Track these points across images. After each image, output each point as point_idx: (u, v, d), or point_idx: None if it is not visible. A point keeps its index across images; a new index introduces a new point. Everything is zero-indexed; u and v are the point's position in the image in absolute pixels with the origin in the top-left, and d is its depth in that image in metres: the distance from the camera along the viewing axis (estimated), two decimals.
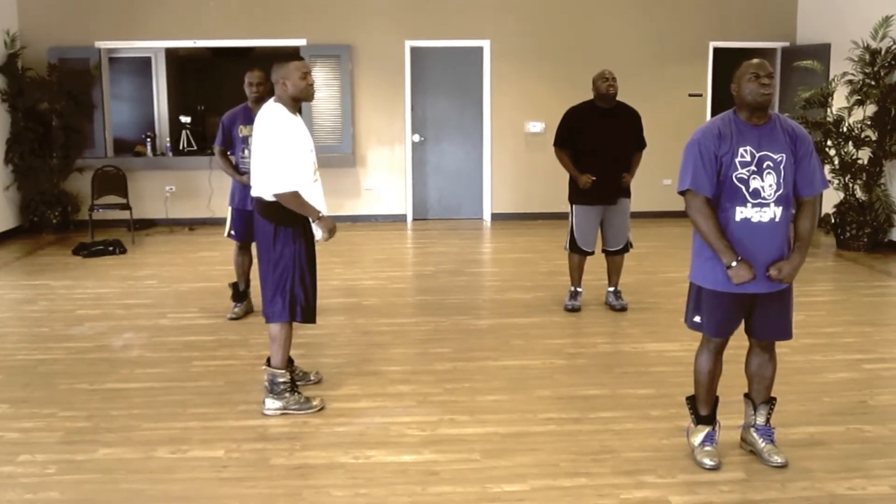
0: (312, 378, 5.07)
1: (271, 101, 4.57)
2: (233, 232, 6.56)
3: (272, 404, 4.58)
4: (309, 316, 4.65)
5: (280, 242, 4.50)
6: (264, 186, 4.46)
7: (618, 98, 6.52)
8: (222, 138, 6.50)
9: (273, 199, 4.43)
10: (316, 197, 4.55)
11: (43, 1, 10.77)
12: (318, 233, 4.56)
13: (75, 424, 4.51)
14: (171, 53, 12.51)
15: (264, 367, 4.67)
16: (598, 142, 6.44)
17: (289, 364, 4.75)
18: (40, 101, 10.39)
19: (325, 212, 4.58)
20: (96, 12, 10.83)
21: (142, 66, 12.47)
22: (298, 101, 4.58)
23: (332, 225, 4.56)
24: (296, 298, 4.56)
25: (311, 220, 4.52)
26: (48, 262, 8.93)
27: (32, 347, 5.97)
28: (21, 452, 4.15)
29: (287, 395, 4.59)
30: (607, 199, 6.54)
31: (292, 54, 4.52)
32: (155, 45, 11.60)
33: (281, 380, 4.59)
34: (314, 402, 4.65)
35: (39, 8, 10.76)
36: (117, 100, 12.07)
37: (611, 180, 6.49)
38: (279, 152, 4.38)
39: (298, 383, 4.83)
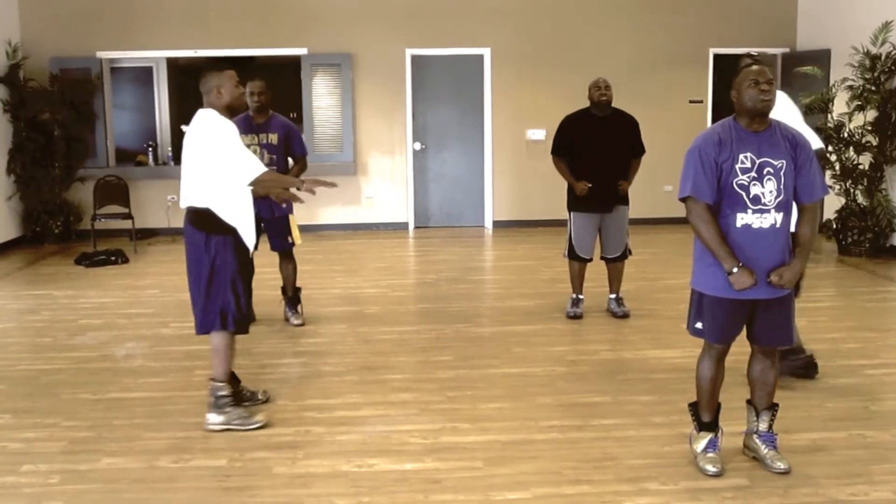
0: (260, 397, 4.88)
1: (202, 110, 4.46)
2: None
3: (215, 419, 4.48)
4: (241, 326, 4.55)
5: (211, 251, 4.41)
6: (200, 193, 4.37)
7: (619, 105, 6.55)
8: None
9: (205, 207, 4.36)
10: (246, 204, 4.47)
11: (44, 11, 10.80)
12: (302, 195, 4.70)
13: (78, 434, 4.51)
14: (172, 63, 12.54)
15: (209, 380, 4.59)
16: (594, 149, 6.46)
17: (235, 382, 4.69)
18: (42, 111, 10.40)
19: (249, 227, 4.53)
20: (98, 22, 10.87)
21: (143, 75, 12.50)
22: (232, 111, 4.48)
23: (311, 181, 4.58)
24: (227, 307, 4.46)
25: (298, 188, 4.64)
26: (50, 272, 8.94)
27: (35, 357, 5.97)
28: (24, 462, 4.15)
29: (230, 409, 4.49)
30: (604, 206, 6.56)
31: (223, 64, 4.64)
32: (156, 55, 11.64)
33: (221, 393, 4.49)
34: (257, 418, 4.51)
35: (41, 18, 10.80)
36: (119, 109, 12.10)
37: (607, 188, 6.50)
38: (227, 149, 4.30)
39: (245, 404, 4.72)
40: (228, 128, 4.35)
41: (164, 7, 10.90)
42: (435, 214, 11.64)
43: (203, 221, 4.41)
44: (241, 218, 4.44)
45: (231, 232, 4.42)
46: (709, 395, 3.98)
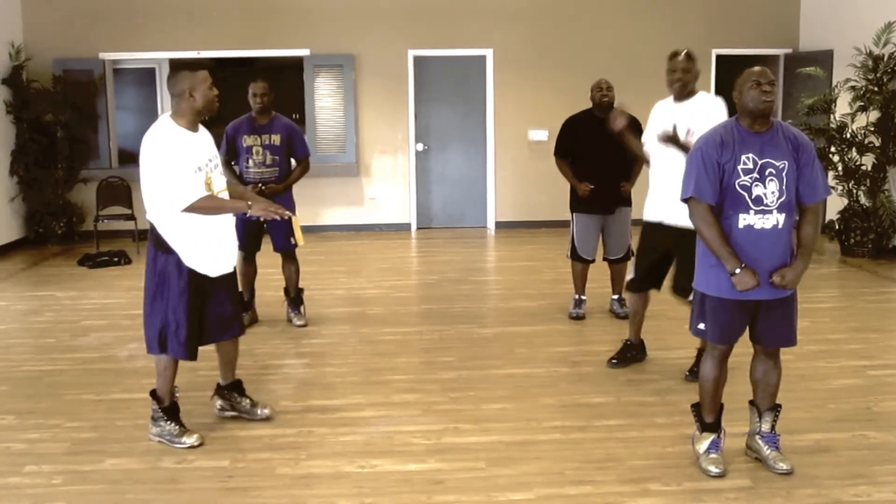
0: (259, 413, 4.66)
1: (164, 116, 4.22)
2: (237, 242, 6.56)
3: (152, 429, 4.43)
4: (180, 352, 4.29)
5: (158, 267, 4.24)
6: (149, 207, 4.21)
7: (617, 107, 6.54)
8: (226, 149, 6.52)
9: (154, 221, 4.23)
10: (195, 228, 4.20)
11: (47, 13, 10.82)
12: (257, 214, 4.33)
13: (81, 435, 4.52)
14: (174, 64, 12.53)
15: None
16: (596, 151, 6.46)
17: (238, 391, 4.68)
18: (45, 112, 10.42)
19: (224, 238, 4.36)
20: (100, 24, 10.88)
21: (146, 76, 12.53)
22: (202, 115, 4.25)
23: (266, 203, 4.34)
24: (166, 329, 4.25)
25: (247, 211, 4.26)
26: (53, 273, 8.96)
27: (38, 358, 5.98)
28: (27, 463, 4.16)
29: (162, 423, 4.37)
30: (606, 208, 6.56)
31: (192, 65, 4.31)
32: (159, 56, 11.64)
33: (153, 407, 4.40)
34: (184, 439, 4.33)
35: (44, 20, 10.81)
36: (122, 110, 12.12)
37: (609, 189, 6.51)
38: (163, 173, 4.06)
39: (243, 415, 4.64)
40: (175, 149, 4.08)
41: (166, 8, 10.91)
42: (437, 215, 11.64)
43: (154, 235, 4.27)
44: (186, 242, 4.19)
45: (175, 252, 4.20)
46: (711, 395, 3.98)
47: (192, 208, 4.09)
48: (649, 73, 11.15)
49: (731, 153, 3.70)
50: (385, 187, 11.44)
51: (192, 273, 4.22)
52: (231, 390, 4.71)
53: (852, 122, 9.12)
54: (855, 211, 9.20)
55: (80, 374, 5.60)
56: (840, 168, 9.24)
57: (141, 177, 4.17)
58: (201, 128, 4.30)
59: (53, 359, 5.93)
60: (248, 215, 4.28)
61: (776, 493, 3.75)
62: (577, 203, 6.62)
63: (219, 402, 4.73)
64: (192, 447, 4.30)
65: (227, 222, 4.38)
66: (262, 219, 6.38)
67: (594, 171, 6.48)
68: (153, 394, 4.43)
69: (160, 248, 4.23)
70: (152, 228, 4.27)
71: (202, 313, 4.33)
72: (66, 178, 10.66)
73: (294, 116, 10.25)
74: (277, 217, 4.29)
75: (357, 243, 10.55)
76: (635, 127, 6.60)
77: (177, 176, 4.06)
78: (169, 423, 4.37)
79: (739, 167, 3.68)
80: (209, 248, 4.26)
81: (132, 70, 12.40)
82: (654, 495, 3.75)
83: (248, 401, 4.70)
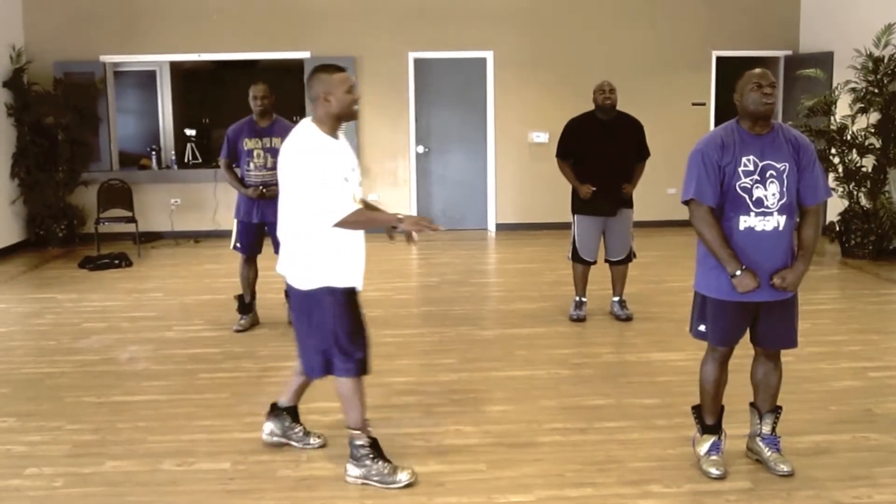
0: (312, 442, 4.37)
1: (307, 122, 3.92)
2: (238, 244, 6.59)
3: (352, 471, 3.98)
4: (351, 369, 3.95)
5: (306, 290, 3.93)
6: (300, 224, 3.87)
7: (621, 108, 6.55)
8: (227, 151, 6.53)
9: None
10: (356, 236, 3.96)
11: (48, 16, 10.83)
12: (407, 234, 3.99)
13: (82, 437, 4.52)
14: (175, 67, 12.56)
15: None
16: (598, 152, 6.47)
17: (294, 417, 4.38)
18: (46, 115, 10.44)
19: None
20: (101, 27, 10.89)
21: (146, 79, 12.53)
22: (342, 121, 3.94)
23: (416, 219, 3.92)
24: (330, 353, 3.94)
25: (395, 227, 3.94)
26: (54, 276, 8.96)
27: (39, 361, 5.98)
28: (28, 466, 4.16)
29: (368, 462, 3.95)
30: (608, 209, 6.56)
31: (332, 65, 3.97)
32: (159, 59, 11.66)
33: (358, 443, 3.97)
34: (400, 477, 3.94)
35: (45, 22, 10.83)
36: (122, 113, 12.13)
37: (611, 191, 6.51)
38: (315, 185, 3.74)
39: (292, 443, 4.35)
40: (325, 158, 3.79)
41: (167, 11, 10.92)
42: (438, 217, 11.62)
43: (293, 255, 3.95)
44: (335, 256, 3.89)
45: (324, 270, 3.88)
46: (712, 397, 3.98)
47: (344, 222, 3.78)
48: (650, 74, 11.21)
49: (732, 155, 3.70)
50: (385, 189, 11.44)
51: (343, 288, 3.90)
52: (289, 414, 4.36)
53: (852, 123, 9.12)
54: (855, 213, 9.20)
55: (81, 376, 5.60)
56: (840, 170, 9.24)
57: (284, 189, 3.87)
58: (341, 135, 3.96)
59: (54, 361, 5.94)
60: (398, 229, 3.94)
61: (777, 494, 3.75)
62: (579, 205, 6.63)
63: (270, 426, 4.34)
64: (408, 485, 3.89)
65: (360, 232, 4.02)
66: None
67: (596, 172, 6.48)
68: (349, 428, 3.98)
69: (303, 269, 3.88)
70: (288, 247, 3.94)
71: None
72: (66, 180, 10.68)
73: (295, 119, 10.24)
74: (431, 231, 3.92)
75: None
76: (639, 130, 6.62)
77: (329, 188, 3.76)
78: (377, 461, 3.93)
79: (740, 169, 3.68)
80: (354, 260, 3.96)
81: (133, 73, 12.39)
82: (654, 497, 3.75)
83: (301, 428, 4.38)
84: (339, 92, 3.83)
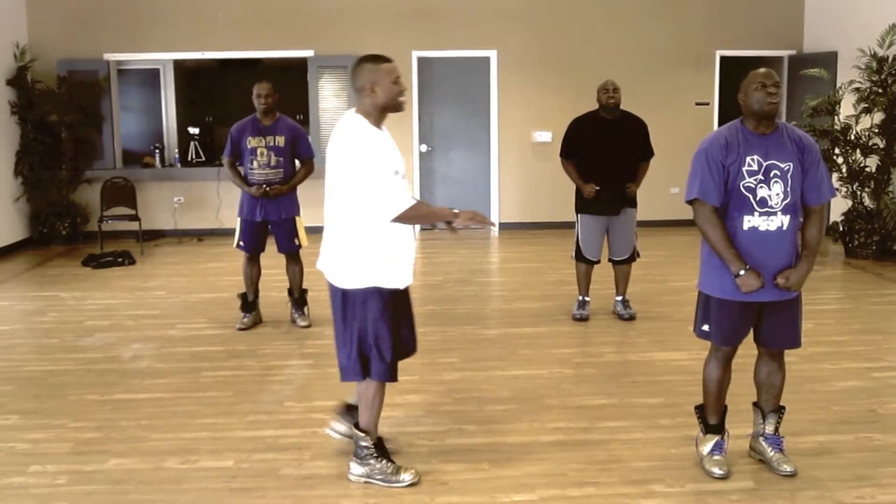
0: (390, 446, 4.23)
1: (350, 113, 3.86)
2: (241, 243, 6.59)
3: (355, 469, 3.97)
4: (382, 373, 3.90)
5: (348, 287, 3.86)
6: (352, 220, 3.79)
7: (625, 107, 6.55)
8: (231, 149, 6.53)
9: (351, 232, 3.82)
10: (405, 233, 3.87)
11: (52, 14, 10.84)
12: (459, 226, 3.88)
13: (85, 435, 4.53)
14: (179, 65, 12.59)
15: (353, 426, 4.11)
16: (602, 152, 6.47)
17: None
18: (49, 113, 10.44)
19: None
20: (105, 25, 10.90)
21: (150, 77, 12.55)
22: (387, 112, 3.84)
23: (472, 214, 3.84)
24: (368, 353, 3.88)
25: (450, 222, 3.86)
26: (58, 274, 8.97)
27: (42, 358, 5.99)
28: (32, 463, 4.17)
29: (371, 461, 3.94)
30: (611, 209, 6.56)
31: (378, 55, 3.82)
32: (163, 57, 11.67)
33: (362, 444, 3.95)
34: (402, 476, 3.93)
35: (48, 21, 10.84)
36: (126, 111, 12.15)
37: (615, 190, 6.51)
38: (370, 179, 3.66)
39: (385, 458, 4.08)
40: (379, 151, 3.72)
41: (171, 9, 10.93)
42: None
43: (335, 251, 3.92)
44: (382, 254, 3.80)
45: (369, 269, 3.79)
46: (715, 397, 3.98)
47: (402, 217, 3.69)
48: (654, 74, 11.20)
49: (736, 155, 3.69)
50: None
51: (390, 289, 3.82)
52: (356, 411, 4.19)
53: (856, 123, 9.10)
54: (859, 213, 9.19)
55: (84, 374, 5.60)
56: (844, 170, 9.23)
57: (332, 184, 3.81)
58: (384, 127, 3.88)
59: (57, 359, 5.94)
60: (453, 224, 3.85)
61: (780, 494, 3.75)
62: (583, 204, 6.62)
63: (339, 425, 4.23)
64: (411, 485, 3.89)
65: (408, 229, 3.92)
66: (281, 216, 6.47)
67: (600, 172, 6.48)
68: (358, 427, 3.96)
69: (346, 266, 3.81)
70: (332, 244, 3.89)
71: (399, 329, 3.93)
72: (70, 178, 10.69)
73: (298, 117, 10.27)
74: (486, 227, 3.88)
75: None
76: (643, 130, 6.62)
77: (386, 181, 3.66)
78: (381, 460, 3.93)
79: (744, 169, 3.68)
80: (402, 258, 3.85)
81: (136, 71, 12.42)
82: (657, 497, 3.75)
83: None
84: (386, 82, 3.75)
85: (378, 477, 3.91)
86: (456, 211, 3.85)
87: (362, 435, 3.93)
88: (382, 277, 3.77)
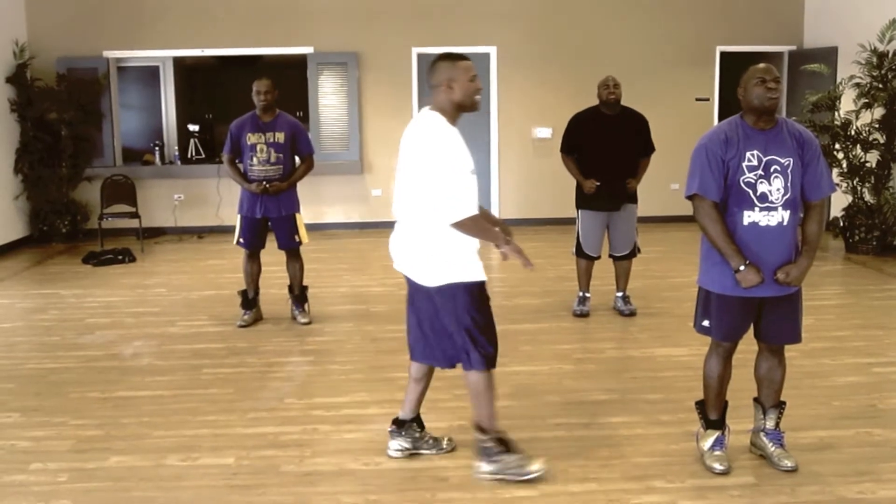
0: (445, 446, 4.21)
1: (425, 110, 3.82)
2: (241, 240, 6.59)
3: (483, 467, 3.89)
4: (482, 362, 3.86)
5: (437, 284, 3.82)
6: (426, 219, 3.74)
7: (625, 103, 6.55)
8: (231, 146, 6.52)
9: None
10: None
11: (51, 11, 10.83)
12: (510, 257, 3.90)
13: (86, 433, 4.53)
14: (178, 62, 12.58)
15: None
16: (602, 148, 6.46)
17: (421, 424, 4.21)
18: (49, 110, 10.44)
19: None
20: (104, 22, 10.90)
21: (150, 75, 12.55)
22: (463, 111, 3.81)
23: (517, 249, 3.89)
24: (467, 346, 3.85)
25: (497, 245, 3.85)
26: (58, 272, 8.97)
27: (43, 356, 5.99)
28: (33, 461, 4.17)
29: (498, 457, 3.86)
30: (612, 204, 6.56)
31: (456, 53, 3.82)
32: (162, 54, 11.67)
33: (486, 445, 3.88)
34: (532, 468, 3.87)
35: (48, 18, 10.83)
36: (126, 109, 12.15)
37: (615, 186, 6.50)
38: (443, 175, 3.63)
39: (422, 452, 4.17)
40: (456, 150, 3.69)
41: (170, 6, 10.92)
42: None
43: (417, 247, 3.85)
44: (461, 249, 3.78)
45: (453, 264, 3.78)
46: (716, 393, 3.98)
47: (461, 224, 3.66)
48: (654, 70, 11.19)
49: (736, 150, 3.69)
50: (389, 185, 11.41)
51: (476, 281, 3.82)
52: (416, 424, 4.19)
53: (857, 118, 9.10)
54: (859, 208, 9.18)
55: (85, 371, 5.61)
56: (844, 165, 9.23)
57: (408, 182, 3.77)
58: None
59: (58, 357, 5.95)
60: (500, 249, 3.86)
61: (780, 490, 3.75)
62: (583, 200, 6.62)
63: (398, 443, 4.15)
64: (542, 473, 3.85)
65: None
66: (281, 213, 6.47)
67: (600, 167, 6.47)
68: (480, 428, 3.88)
69: (433, 264, 3.77)
70: (412, 242, 3.84)
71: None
72: (70, 176, 10.70)
73: (298, 114, 10.25)
74: (526, 265, 3.91)
75: (361, 241, 10.56)
76: (643, 125, 6.61)
77: (458, 183, 3.65)
78: (510, 454, 3.86)
79: (744, 164, 3.68)
80: (476, 251, 3.85)
81: (136, 68, 12.41)
82: (658, 492, 3.75)
83: (429, 435, 4.22)
84: (464, 80, 3.73)
85: (511, 471, 3.84)
86: (507, 239, 3.87)
87: (484, 437, 3.86)
88: (469, 271, 3.78)
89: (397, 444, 4.15)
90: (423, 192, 3.69)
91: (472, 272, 3.79)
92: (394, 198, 3.95)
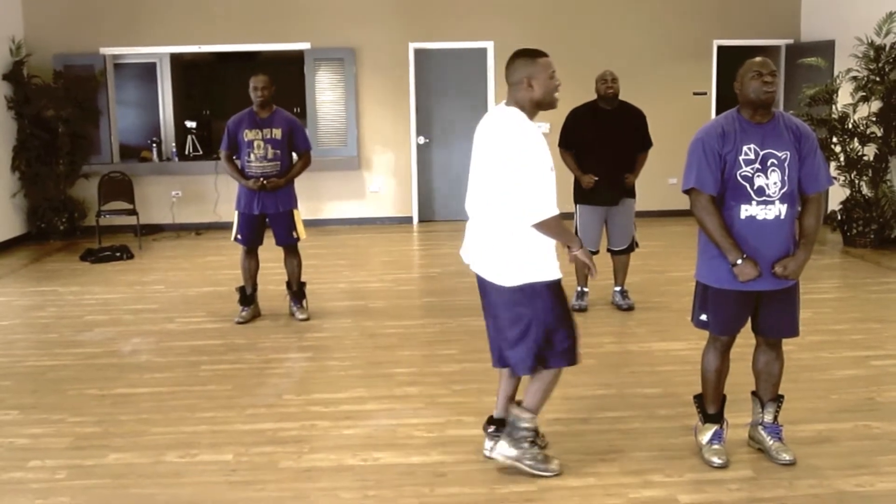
0: (538, 443, 4.00)
1: (502, 106, 3.76)
2: (239, 236, 6.58)
3: (508, 451, 3.87)
4: (563, 359, 3.84)
5: (515, 284, 3.74)
6: (504, 219, 3.66)
7: (622, 97, 6.54)
8: (228, 143, 6.52)
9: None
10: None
11: (48, 8, 10.81)
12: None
13: (84, 430, 4.53)
14: (175, 59, 12.55)
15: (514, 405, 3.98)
16: (600, 142, 6.46)
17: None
18: (46, 107, 10.42)
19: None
20: (101, 19, 10.88)
21: (147, 71, 12.52)
22: (542, 108, 3.73)
23: (586, 256, 3.82)
24: (542, 346, 3.79)
25: (570, 248, 3.78)
26: (56, 269, 8.96)
27: (41, 353, 5.99)
28: (31, 458, 4.17)
29: (525, 445, 3.86)
30: (610, 199, 6.56)
31: (534, 49, 3.71)
32: (160, 51, 11.65)
33: (524, 426, 3.86)
34: (552, 466, 3.90)
35: (44, 15, 10.81)
36: (123, 106, 12.12)
37: (613, 181, 6.50)
38: (527, 174, 3.56)
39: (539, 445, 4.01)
40: (541, 148, 3.60)
41: (167, 3, 10.90)
42: (439, 208, 11.63)
43: (496, 249, 3.76)
44: (540, 247, 3.70)
45: (531, 262, 3.71)
46: (714, 386, 3.98)
47: (543, 224, 3.59)
48: (652, 64, 11.18)
49: (733, 144, 3.69)
50: (387, 180, 11.44)
51: (555, 280, 3.74)
52: (504, 424, 4.04)
53: (854, 112, 9.10)
54: (857, 201, 9.18)
55: (83, 369, 5.60)
56: (842, 158, 9.23)
57: (486, 179, 3.71)
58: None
59: (56, 354, 5.94)
60: (572, 251, 3.80)
61: (779, 483, 3.76)
62: (581, 195, 6.62)
63: (493, 444, 4.01)
64: (556, 475, 3.86)
65: None
66: (278, 209, 6.46)
67: (598, 162, 6.47)
68: (522, 406, 3.88)
69: (515, 264, 3.68)
70: (489, 241, 3.74)
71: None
72: (67, 173, 10.68)
73: (295, 110, 10.25)
74: (591, 272, 3.82)
75: (359, 237, 10.55)
76: (641, 120, 6.61)
77: (543, 181, 3.59)
78: (534, 446, 3.86)
79: (741, 158, 3.68)
80: (553, 249, 3.75)
81: (133, 65, 12.38)
82: (656, 486, 3.75)
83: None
84: (544, 77, 3.65)
85: (528, 462, 3.83)
86: (578, 243, 3.81)
87: (528, 416, 3.83)
88: (548, 270, 3.71)
89: (492, 444, 4.01)
90: (504, 191, 3.60)
91: (553, 270, 3.72)
92: (468, 194, 3.87)
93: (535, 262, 3.68)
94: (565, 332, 3.77)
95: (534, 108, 3.70)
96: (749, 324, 3.92)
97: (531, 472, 3.84)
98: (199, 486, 3.88)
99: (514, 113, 3.66)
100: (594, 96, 6.56)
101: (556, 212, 3.61)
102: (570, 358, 3.81)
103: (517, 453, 3.84)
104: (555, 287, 3.74)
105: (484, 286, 3.89)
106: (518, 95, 3.68)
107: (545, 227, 3.61)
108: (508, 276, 3.70)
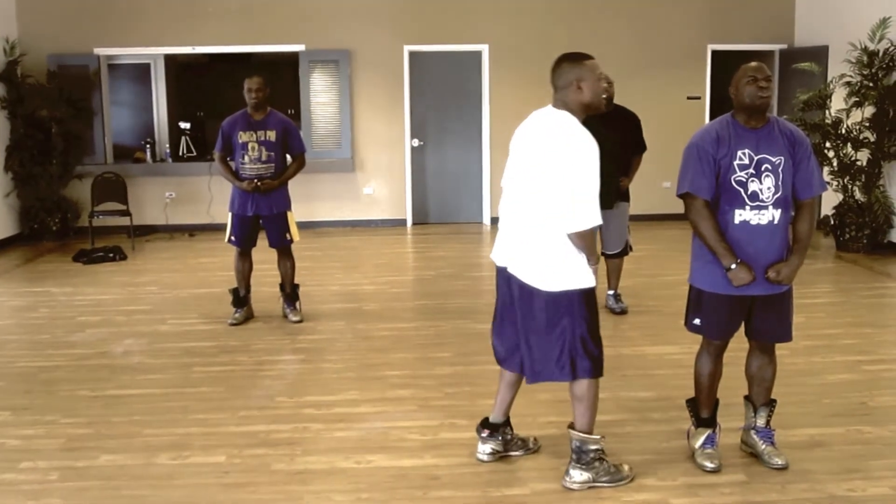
0: (532, 446, 4.21)
1: (550, 109, 3.73)
2: (233, 238, 6.58)
3: (577, 476, 3.80)
4: (592, 369, 3.80)
5: (551, 291, 3.70)
6: (543, 224, 3.62)
7: (617, 102, 6.54)
8: (222, 144, 6.51)
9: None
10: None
11: (42, 8, 10.79)
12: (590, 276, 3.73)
13: (76, 431, 4.51)
14: (170, 60, 12.54)
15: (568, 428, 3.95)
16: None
17: (510, 426, 4.16)
18: (40, 107, 10.40)
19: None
20: (95, 19, 10.86)
21: (141, 72, 12.50)
22: (590, 111, 3.71)
23: (599, 260, 3.81)
24: (575, 353, 3.76)
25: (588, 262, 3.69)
26: (48, 269, 8.94)
27: (33, 354, 5.97)
28: (23, 459, 4.15)
29: (597, 464, 3.81)
30: (604, 203, 6.52)
31: (581, 53, 3.75)
32: (154, 52, 11.64)
33: (589, 447, 3.80)
34: (626, 472, 3.87)
35: (38, 15, 10.79)
36: (117, 106, 12.10)
37: (607, 184, 6.47)
38: (580, 180, 3.54)
39: (512, 453, 4.13)
40: (595, 154, 3.60)
41: (162, 4, 10.89)
42: (433, 211, 11.64)
43: (530, 253, 3.72)
44: (572, 253, 3.66)
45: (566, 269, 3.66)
46: (707, 391, 3.98)
47: (582, 235, 3.57)
48: (646, 68, 11.20)
49: (727, 148, 3.70)
50: (381, 183, 11.44)
51: (590, 287, 3.71)
52: (506, 426, 4.13)
53: (847, 117, 9.13)
54: (850, 206, 9.21)
55: (76, 370, 5.59)
56: (835, 163, 9.25)
57: (531, 183, 3.65)
58: None
59: (48, 355, 5.92)
60: (592, 266, 3.70)
61: (771, 487, 3.76)
62: None
63: (489, 447, 4.07)
64: (631, 478, 3.84)
65: None
66: (272, 211, 6.46)
67: None
68: (581, 430, 3.81)
69: (555, 269, 3.65)
70: (530, 246, 3.69)
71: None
72: (61, 173, 10.65)
73: (289, 112, 10.24)
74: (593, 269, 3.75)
75: (352, 239, 10.54)
76: (636, 124, 6.61)
77: (593, 189, 3.56)
78: (604, 461, 3.81)
79: (735, 163, 3.68)
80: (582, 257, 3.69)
81: (127, 65, 12.37)
82: (649, 490, 3.76)
83: (517, 437, 4.19)
84: (592, 79, 3.64)
85: (604, 479, 3.78)
86: (595, 257, 3.75)
87: (590, 438, 3.78)
88: (585, 277, 3.67)
89: (489, 448, 4.07)
90: (555, 195, 3.54)
91: (588, 278, 3.68)
92: (503, 197, 3.83)
93: (574, 268, 3.64)
94: (594, 341, 3.75)
95: (583, 111, 3.66)
96: (742, 328, 3.93)
97: (612, 485, 3.78)
98: (191, 487, 3.87)
99: (567, 117, 3.62)
100: None
101: (597, 223, 3.59)
102: (596, 369, 3.77)
103: (591, 475, 3.78)
104: (589, 294, 3.71)
105: (513, 290, 3.79)
106: (567, 98, 3.64)
107: (582, 236, 3.57)
108: (551, 280, 3.65)
